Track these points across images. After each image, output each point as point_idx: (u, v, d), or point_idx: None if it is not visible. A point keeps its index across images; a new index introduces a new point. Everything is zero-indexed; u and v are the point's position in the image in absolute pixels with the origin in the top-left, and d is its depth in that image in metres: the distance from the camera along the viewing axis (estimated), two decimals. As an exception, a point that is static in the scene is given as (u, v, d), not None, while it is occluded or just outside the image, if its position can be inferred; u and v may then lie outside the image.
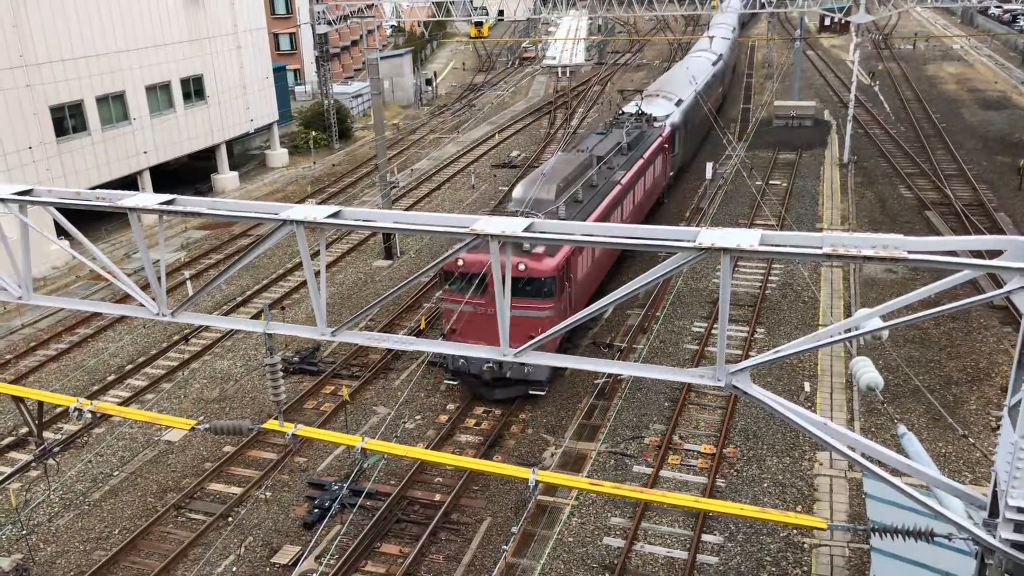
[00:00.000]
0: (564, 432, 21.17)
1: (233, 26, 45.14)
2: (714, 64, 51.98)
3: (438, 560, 17.07)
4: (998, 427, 18.67)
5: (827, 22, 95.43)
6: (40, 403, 18.24)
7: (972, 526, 6.69)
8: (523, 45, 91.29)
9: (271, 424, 10.88)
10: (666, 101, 40.61)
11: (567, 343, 24.75)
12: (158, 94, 40.12)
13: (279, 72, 54.41)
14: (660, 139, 35.11)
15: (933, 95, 60.76)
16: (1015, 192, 38.01)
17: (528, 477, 8.76)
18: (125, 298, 27.67)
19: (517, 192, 25.31)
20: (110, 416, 22.00)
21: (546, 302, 20.98)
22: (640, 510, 17.92)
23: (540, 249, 21.12)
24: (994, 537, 6.55)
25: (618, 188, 27.97)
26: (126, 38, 37.62)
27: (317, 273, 8.14)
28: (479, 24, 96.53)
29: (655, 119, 37.19)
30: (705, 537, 17.20)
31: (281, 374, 11.63)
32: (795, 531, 17.17)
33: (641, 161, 31.53)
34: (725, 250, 6.87)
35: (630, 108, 38.56)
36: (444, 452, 19.84)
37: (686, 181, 41.91)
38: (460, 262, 20.89)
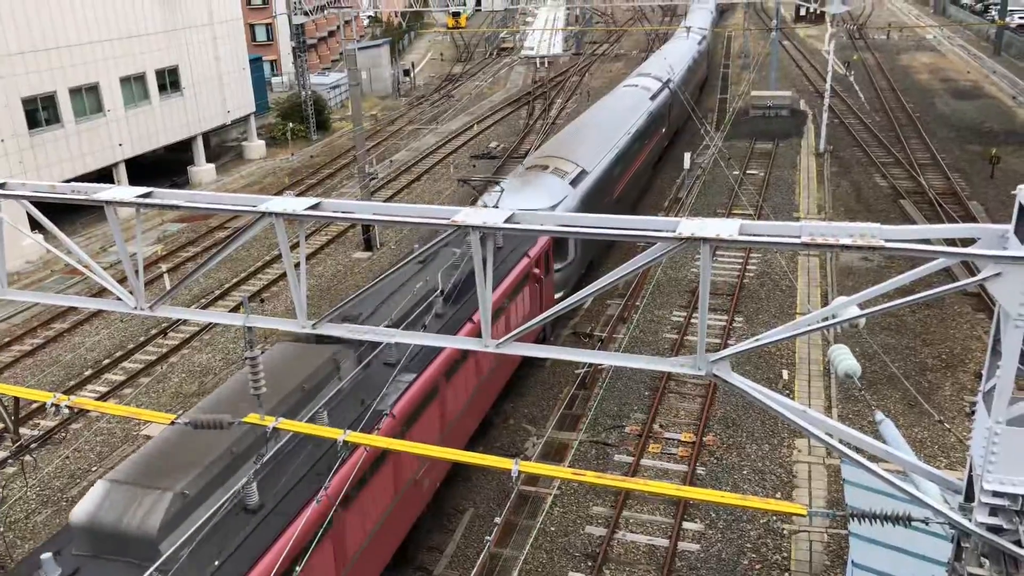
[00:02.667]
0: (546, 422, 21.23)
1: (208, 16, 44.64)
2: (652, 98, 39.58)
3: (421, 551, 17.09)
4: (972, 412, 19.02)
5: (802, 12, 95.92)
6: (16, 399, 18.02)
7: (948, 510, 6.79)
8: (501, 35, 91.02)
9: (252, 418, 10.82)
10: (554, 180, 26.45)
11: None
12: (133, 86, 39.63)
13: (256, 63, 53.93)
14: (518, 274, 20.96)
15: (907, 85, 61.30)
16: (987, 181, 38.48)
17: (511, 467, 8.77)
18: (101, 292, 27.39)
19: None
20: (87, 411, 21.81)
21: None
22: (621, 499, 18.03)
23: None
24: (970, 521, 6.65)
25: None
26: (99, 29, 37.10)
27: (296, 265, 8.09)
28: (456, 14, 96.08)
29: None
30: (686, 525, 17.35)
31: (261, 367, 11.57)
32: (775, 518, 17.36)
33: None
34: (705, 240, 6.91)
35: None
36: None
37: (665, 172, 42.05)
38: None
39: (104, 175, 37.54)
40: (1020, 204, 6.02)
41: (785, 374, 22.73)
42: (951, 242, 23.37)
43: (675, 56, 49.96)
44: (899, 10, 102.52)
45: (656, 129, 39.54)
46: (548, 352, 8.62)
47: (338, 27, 68.86)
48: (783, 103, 52.25)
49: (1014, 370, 6.11)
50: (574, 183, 26.84)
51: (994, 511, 6.50)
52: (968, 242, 6.52)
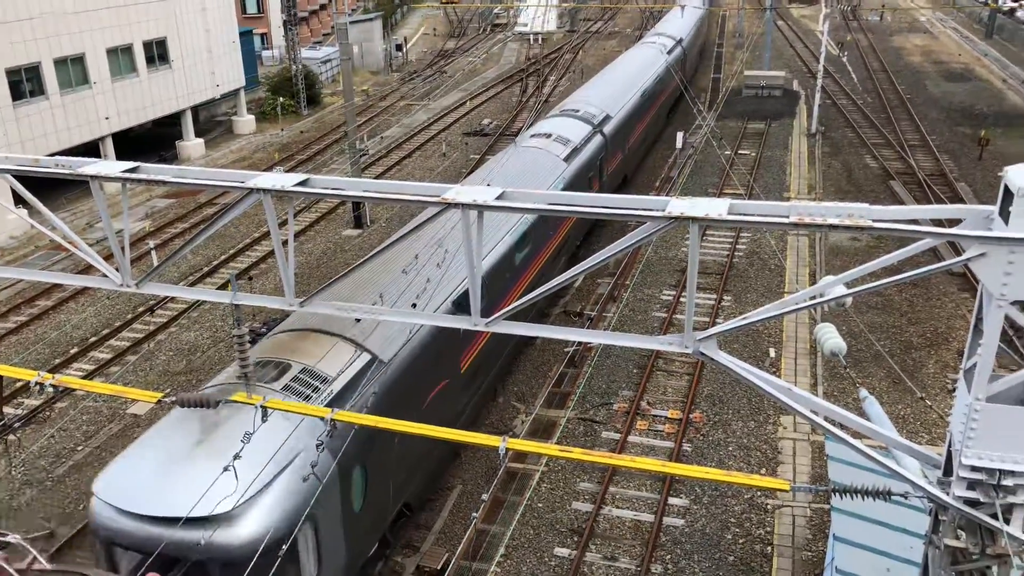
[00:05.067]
0: (534, 400, 21.33)
1: (196, -11, 44.09)
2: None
3: (409, 528, 17.21)
4: (954, 389, 19.24)
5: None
6: (0, 377, 17.92)
7: (927, 484, 6.91)
8: (495, 11, 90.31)
9: (239, 396, 10.84)
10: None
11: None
12: (120, 57, 39.14)
13: (245, 36, 53.33)
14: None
15: (899, 66, 61.25)
16: (975, 162, 38.60)
17: (499, 445, 8.84)
18: (87, 269, 27.21)
19: None
20: (73, 390, 21.71)
21: None
22: (608, 475, 18.18)
23: None
24: (947, 495, 6.77)
25: None
26: (85, -1, 36.58)
27: (285, 242, 8.06)
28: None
29: None
30: (672, 500, 17.52)
31: (249, 345, 11.58)
32: (759, 493, 17.55)
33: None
34: (694, 219, 6.94)
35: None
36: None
37: (657, 151, 41.97)
38: None
39: (90, 149, 37.15)
40: (1006, 186, 6.07)
41: (772, 352, 22.88)
42: (938, 223, 23.47)
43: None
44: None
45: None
46: (539, 331, 8.66)
47: (330, 0, 68.15)
48: (776, 83, 52.17)
49: (995, 348, 6.19)
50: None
51: (972, 485, 6.62)
52: (955, 223, 6.57)
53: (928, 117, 46.81)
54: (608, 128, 30.79)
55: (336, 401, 13.19)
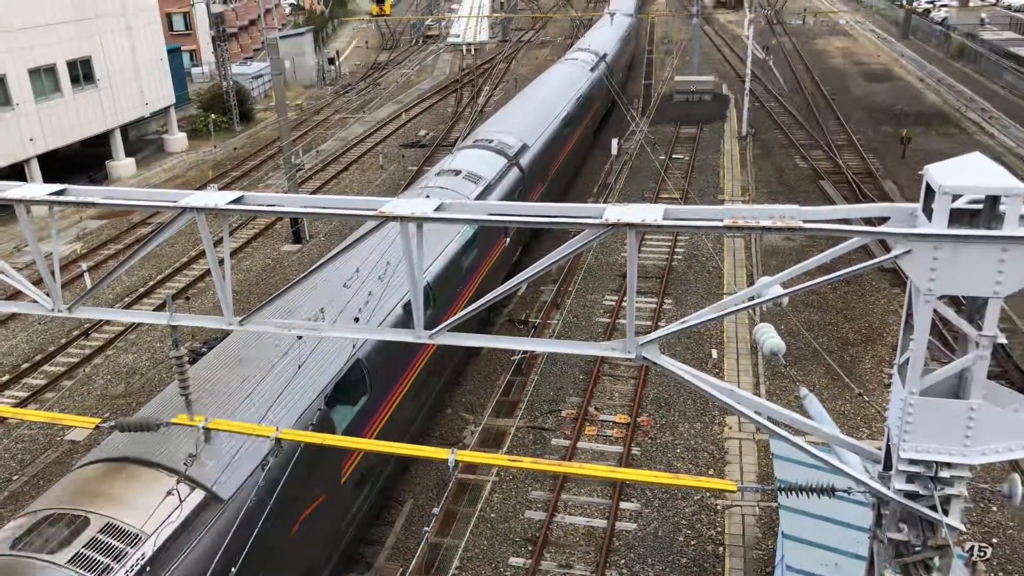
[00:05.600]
0: (483, 410, 21.29)
1: (122, 5, 43.06)
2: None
3: (360, 544, 16.98)
4: (890, 384, 19.81)
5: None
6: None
7: (868, 479, 7.07)
8: (426, 23, 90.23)
9: (181, 419, 10.57)
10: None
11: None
12: (43, 77, 38.00)
13: (174, 53, 52.27)
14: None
15: (823, 68, 63.08)
16: (899, 160, 39.94)
17: (447, 457, 8.79)
18: (16, 295, 26.28)
19: None
20: (5, 419, 20.96)
21: None
22: (560, 483, 18.23)
23: None
24: (888, 489, 6.94)
25: None
26: (4, 18, 35.44)
27: (221, 261, 7.87)
28: (381, 2, 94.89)
29: None
30: (623, 505, 17.64)
31: (188, 366, 11.31)
32: (708, 494, 17.79)
33: None
34: (630, 225, 7.01)
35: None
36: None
37: (593, 158, 42.39)
38: None
39: (16, 171, 35.95)
40: (927, 184, 6.28)
41: (715, 353, 23.26)
42: (868, 221, 24.24)
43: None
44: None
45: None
46: (484, 341, 8.64)
47: (259, 16, 67.27)
48: (706, 88, 53.21)
49: (925, 342, 6.38)
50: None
51: (911, 478, 6.79)
52: (883, 220, 6.77)
53: (853, 117, 48.28)
54: (526, 160, 28.12)
55: (152, 571, 9.88)
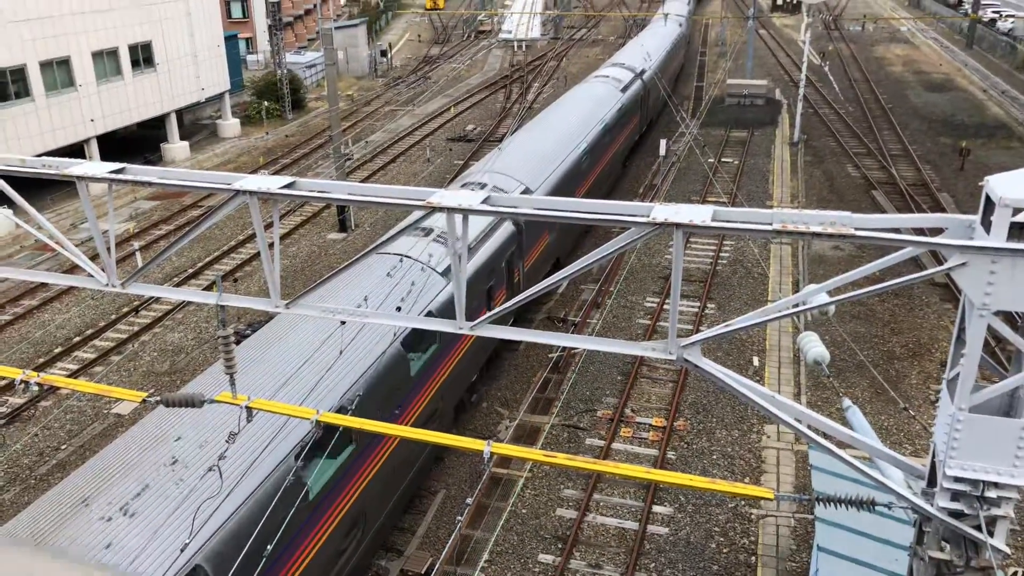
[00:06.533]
0: (518, 406, 21.33)
1: (182, -9, 43.93)
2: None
3: (392, 531, 17.15)
4: (937, 400, 19.39)
5: (779, 1, 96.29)
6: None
7: (911, 495, 6.93)
8: (479, 18, 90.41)
9: (224, 396, 10.77)
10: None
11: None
12: (105, 60, 38.93)
13: (231, 40, 53.15)
14: None
15: (880, 76, 61.82)
16: (956, 172, 39.01)
17: (483, 449, 8.81)
18: (73, 268, 27.00)
19: None
20: (58, 389, 21.55)
21: None
22: (592, 482, 18.19)
23: None
24: (931, 506, 6.80)
25: None
26: (71, 1, 36.39)
27: (271, 245, 8.01)
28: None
29: None
30: (656, 508, 17.55)
31: (234, 346, 11.51)
32: (743, 502, 17.61)
33: None
34: (678, 225, 6.95)
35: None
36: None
37: (640, 158, 42.13)
38: None
39: (75, 151, 36.92)
40: (987, 195, 6.13)
41: (756, 360, 22.99)
42: (920, 232, 23.76)
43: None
44: (874, 1, 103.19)
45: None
46: (523, 335, 8.66)
47: (315, 6, 68.03)
48: (759, 92, 52.52)
49: (977, 358, 6.24)
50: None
51: (956, 496, 6.64)
52: (937, 232, 6.64)
53: (909, 127, 47.27)
54: None
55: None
